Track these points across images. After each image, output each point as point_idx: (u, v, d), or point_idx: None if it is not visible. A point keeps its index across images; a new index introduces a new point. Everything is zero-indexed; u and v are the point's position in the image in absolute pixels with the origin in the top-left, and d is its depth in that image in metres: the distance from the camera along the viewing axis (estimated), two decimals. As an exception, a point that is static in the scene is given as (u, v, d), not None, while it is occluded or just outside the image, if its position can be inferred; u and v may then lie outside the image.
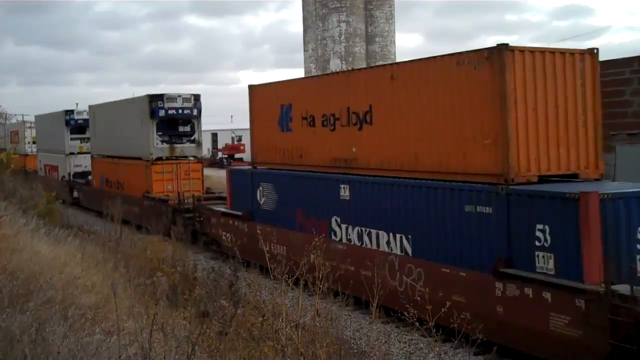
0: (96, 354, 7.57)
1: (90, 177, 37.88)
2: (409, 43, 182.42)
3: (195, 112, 30.37)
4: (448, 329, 9.39)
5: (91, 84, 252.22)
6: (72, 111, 40.35)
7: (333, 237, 16.81)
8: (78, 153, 40.16)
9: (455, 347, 12.43)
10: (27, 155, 52.14)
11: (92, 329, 8.86)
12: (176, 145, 30.08)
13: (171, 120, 29.98)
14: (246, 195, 20.91)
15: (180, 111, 30.02)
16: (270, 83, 21.02)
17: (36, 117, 49.46)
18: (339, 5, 58.26)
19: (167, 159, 29.75)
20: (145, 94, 30.52)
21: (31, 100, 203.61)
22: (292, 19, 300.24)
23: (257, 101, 21.14)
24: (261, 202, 20.19)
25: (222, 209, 23.12)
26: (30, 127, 52.42)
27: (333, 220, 17.01)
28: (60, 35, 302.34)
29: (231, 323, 9.76)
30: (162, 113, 29.48)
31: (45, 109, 68.88)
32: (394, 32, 61.61)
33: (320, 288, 8.63)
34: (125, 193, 31.32)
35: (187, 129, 30.58)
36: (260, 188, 20.22)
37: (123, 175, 32.45)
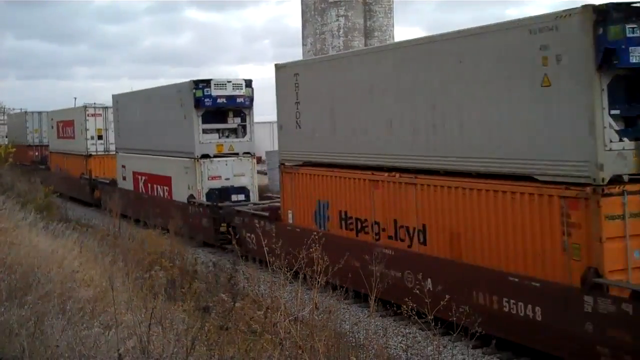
0: (94, 347, 7.56)
1: (263, 203, 21.76)
2: (409, 37, 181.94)
3: None
4: (447, 322, 9.40)
5: (91, 77, 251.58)
6: (207, 82, 23.26)
7: None
8: (215, 156, 23.72)
9: (454, 341, 12.44)
10: (89, 156, 35.16)
11: (91, 322, 8.87)
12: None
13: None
14: None
15: None
16: None
17: (115, 96, 31.85)
18: (337, 0, 58.23)
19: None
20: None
21: (30, 94, 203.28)
22: (292, 13, 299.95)
23: None
24: None
25: None
26: (94, 115, 35.30)
27: None
28: (59, 28, 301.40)
29: (229, 317, 9.78)
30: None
31: (44, 102, 68.11)
32: (393, 26, 61.44)
33: (318, 281, 8.63)
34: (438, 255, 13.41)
35: None
36: None
37: (433, 215, 13.55)
